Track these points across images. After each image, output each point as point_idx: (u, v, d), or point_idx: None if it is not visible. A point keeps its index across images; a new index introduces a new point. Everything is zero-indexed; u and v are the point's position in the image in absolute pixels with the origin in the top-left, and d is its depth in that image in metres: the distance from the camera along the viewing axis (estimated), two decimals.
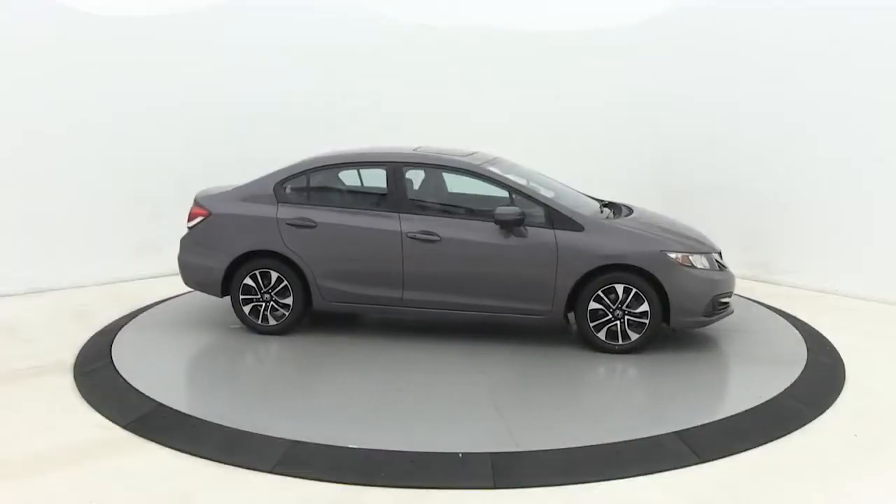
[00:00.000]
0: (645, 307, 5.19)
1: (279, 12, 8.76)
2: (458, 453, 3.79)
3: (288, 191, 5.86)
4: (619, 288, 5.20)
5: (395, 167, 5.65)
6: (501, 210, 5.33)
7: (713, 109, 8.34)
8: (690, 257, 5.29)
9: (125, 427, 4.15)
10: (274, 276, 5.71)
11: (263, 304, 5.77)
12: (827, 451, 3.92)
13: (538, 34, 9.57)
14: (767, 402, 4.47)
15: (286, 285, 5.71)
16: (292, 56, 8.80)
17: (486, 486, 3.53)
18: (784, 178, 7.77)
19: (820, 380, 4.92)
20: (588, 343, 5.36)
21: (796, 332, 5.91)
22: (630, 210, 6.01)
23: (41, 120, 7.24)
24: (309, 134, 8.81)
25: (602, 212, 5.84)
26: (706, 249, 5.46)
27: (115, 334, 5.73)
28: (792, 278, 7.65)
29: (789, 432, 4.12)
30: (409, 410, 4.38)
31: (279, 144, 8.72)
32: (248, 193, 5.89)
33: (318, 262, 5.65)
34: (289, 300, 5.72)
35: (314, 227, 5.64)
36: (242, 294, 5.78)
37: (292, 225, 5.67)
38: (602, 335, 5.29)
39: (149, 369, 4.98)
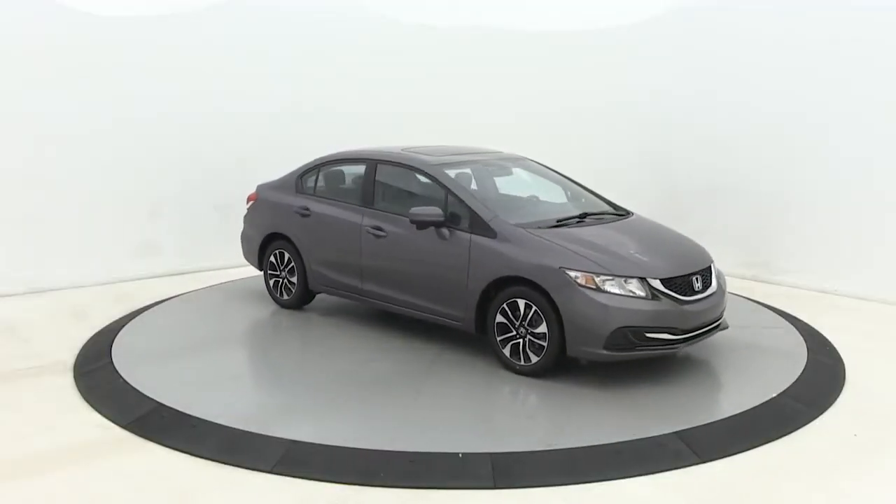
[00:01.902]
0: (544, 328, 4.68)
1: (279, 13, 8.75)
2: (458, 453, 3.79)
3: (304, 182, 6.46)
4: (521, 303, 4.77)
5: (371, 164, 5.95)
6: (415, 210, 5.19)
7: (713, 109, 8.34)
8: (597, 278, 4.56)
9: (125, 427, 4.15)
10: (287, 256, 6.41)
11: (280, 280, 6.53)
12: (827, 451, 3.92)
13: (538, 34, 9.58)
14: (767, 402, 4.46)
15: (293, 266, 6.36)
16: (292, 57, 8.80)
17: (486, 486, 3.53)
18: (784, 178, 7.77)
19: (820, 380, 4.92)
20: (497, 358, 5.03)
21: (796, 332, 5.90)
22: (621, 216, 5.62)
23: (41, 120, 7.24)
24: (309, 134, 8.82)
25: (571, 219, 5.33)
26: (630, 273, 4.62)
27: (115, 334, 5.72)
28: (792, 278, 7.65)
29: (789, 432, 4.12)
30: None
31: (279, 145, 8.75)
32: (282, 183, 6.63)
33: (310, 247, 6.22)
34: (295, 279, 6.37)
35: (309, 215, 6.20)
36: (269, 269, 6.61)
37: (297, 212, 6.29)
38: (507, 351, 4.90)
39: (149, 369, 4.98)
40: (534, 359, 4.78)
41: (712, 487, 3.54)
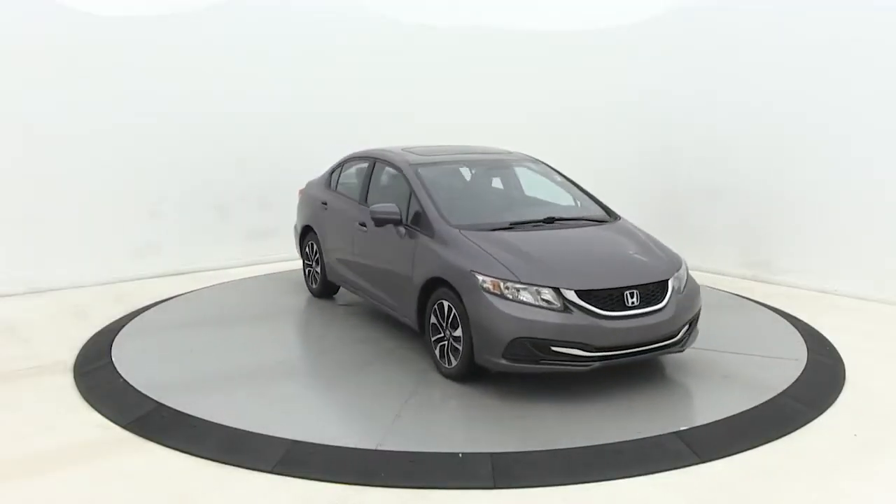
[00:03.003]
0: (460, 331, 4.57)
1: (279, 13, 8.75)
2: (458, 453, 3.79)
3: (332, 178, 6.75)
4: (446, 305, 4.70)
5: (371, 162, 6.18)
6: (374, 207, 5.32)
7: (713, 109, 8.33)
8: (503, 284, 4.37)
9: (125, 427, 4.15)
10: (315, 247, 6.77)
11: (311, 269, 6.93)
12: (827, 451, 3.92)
13: (538, 34, 9.58)
14: (767, 402, 4.46)
15: (319, 256, 6.72)
16: (292, 57, 8.79)
17: (486, 486, 3.53)
18: (784, 178, 7.77)
19: (820, 380, 4.92)
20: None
21: (796, 332, 5.90)
22: (599, 222, 5.38)
23: (41, 120, 7.24)
24: (308, 134, 8.83)
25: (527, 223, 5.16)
26: (542, 282, 4.36)
27: (115, 334, 5.73)
28: (792, 278, 7.64)
29: (789, 432, 4.12)
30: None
31: (279, 145, 8.76)
32: (321, 178, 6.95)
33: (325, 238, 6.56)
34: (319, 269, 6.75)
35: (326, 209, 6.54)
36: (306, 259, 7.03)
37: (321, 206, 6.64)
38: (437, 352, 4.84)
39: (149, 369, 4.98)
40: (453, 362, 4.70)
41: (712, 487, 3.54)
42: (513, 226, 5.08)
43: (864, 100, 7.12)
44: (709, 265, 8.26)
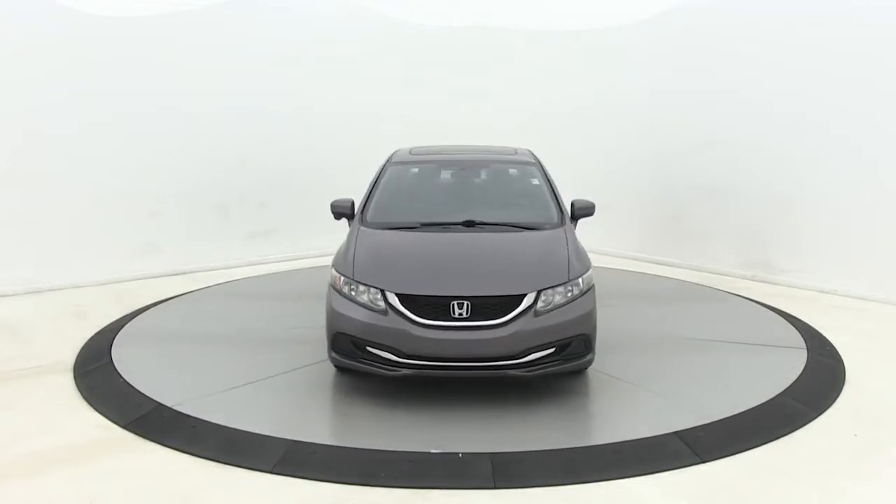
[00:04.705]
0: None
1: (279, 13, 8.75)
2: (458, 453, 3.79)
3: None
4: None
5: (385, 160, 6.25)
6: (333, 201, 5.52)
7: (714, 109, 8.33)
8: (341, 281, 4.53)
9: (125, 427, 4.15)
10: None
11: None
12: (827, 451, 3.92)
13: (539, 34, 9.59)
14: (767, 402, 4.47)
15: None
16: (293, 57, 8.79)
17: (487, 486, 3.53)
18: (784, 179, 7.77)
19: (820, 380, 4.92)
20: None
21: (796, 332, 5.90)
22: (533, 228, 5.10)
23: (41, 119, 7.25)
24: (309, 134, 8.83)
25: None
26: (369, 282, 4.40)
27: (115, 334, 5.73)
28: (791, 278, 7.65)
29: (789, 432, 4.12)
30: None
31: (279, 145, 8.75)
32: None
33: None
34: None
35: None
36: None
37: None
38: None
39: (149, 369, 4.98)
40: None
41: (712, 487, 3.54)
42: (423, 226, 5.06)
43: (864, 100, 7.12)
44: (709, 265, 8.26)
